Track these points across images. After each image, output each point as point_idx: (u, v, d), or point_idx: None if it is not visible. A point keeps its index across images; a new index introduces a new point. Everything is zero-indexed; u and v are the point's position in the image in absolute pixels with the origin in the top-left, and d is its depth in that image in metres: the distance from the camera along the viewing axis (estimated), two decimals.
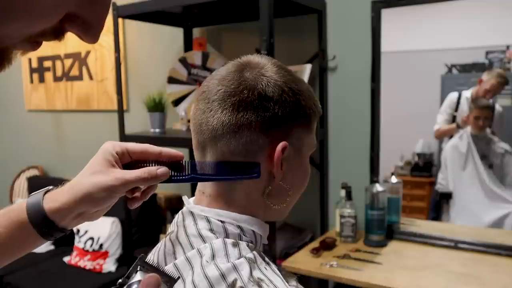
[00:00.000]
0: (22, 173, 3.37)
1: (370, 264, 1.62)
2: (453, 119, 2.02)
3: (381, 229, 1.81)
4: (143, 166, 0.59)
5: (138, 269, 0.52)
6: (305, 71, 1.87)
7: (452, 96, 2.01)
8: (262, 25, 1.60)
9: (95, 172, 0.57)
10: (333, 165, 2.08)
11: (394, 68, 1.99)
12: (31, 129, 3.42)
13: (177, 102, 2.23)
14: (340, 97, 2.03)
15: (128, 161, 0.60)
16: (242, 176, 0.59)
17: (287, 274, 0.64)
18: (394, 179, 1.91)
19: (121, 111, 2.12)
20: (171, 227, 0.66)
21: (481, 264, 1.62)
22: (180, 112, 2.16)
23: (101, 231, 2.49)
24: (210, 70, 2.16)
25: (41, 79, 3.27)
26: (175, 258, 0.59)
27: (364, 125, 1.96)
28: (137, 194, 0.62)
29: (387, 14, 1.88)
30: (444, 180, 2.06)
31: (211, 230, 0.59)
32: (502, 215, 1.91)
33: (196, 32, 2.42)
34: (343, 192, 1.90)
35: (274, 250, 1.70)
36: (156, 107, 2.11)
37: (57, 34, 0.33)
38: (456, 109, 2.01)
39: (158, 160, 0.60)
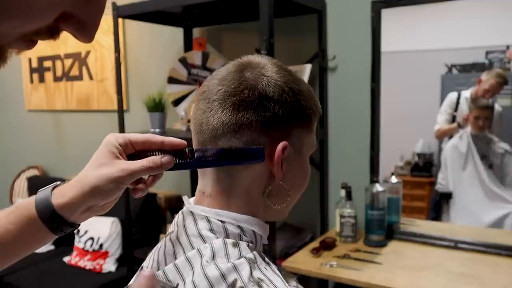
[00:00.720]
0: (22, 173, 3.37)
1: (370, 264, 1.62)
2: (453, 119, 2.02)
3: (381, 229, 1.81)
4: (147, 156, 0.59)
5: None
6: (305, 71, 1.87)
7: (452, 96, 2.01)
8: (262, 25, 1.61)
9: (101, 165, 0.57)
10: (333, 165, 2.08)
11: (394, 68, 1.99)
12: (31, 129, 3.42)
13: (177, 102, 2.23)
14: (340, 97, 2.03)
15: (131, 152, 0.60)
16: (247, 161, 0.59)
17: (287, 274, 0.65)
18: (394, 179, 1.91)
19: (121, 111, 2.12)
20: (171, 227, 0.66)
21: (481, 264, 1.62)
22: (180, 112, 2.16)
23: (101, 231, 2.49)
24: (210, 70, 2.16)
25: (41, 79, 3.27)
26: (175, 258, 0.59)
27: (364, 125, 1.96)
28: (141, 185, 0.62)
29: (387, 14, 1.88)
30: (444, 180, 2.06)
31: (211, 230, 0.59)
32: (502, 215, 1.91)
33: (196, 32, 2.42)
34: (343, 192, 1.90)
35: (274, 250, 1.70)
36: (156, 107, 2.11)
37: (52, 33, 0.33)
38: (456, 109, 2.01)
39: (162, 149, 0.60)
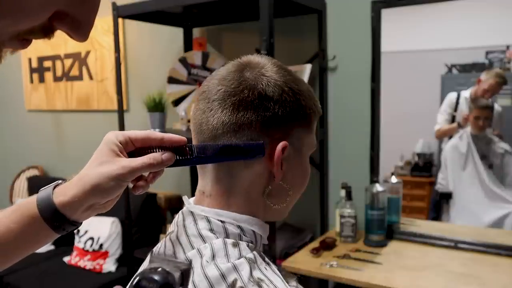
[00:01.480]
0: (22, 173, 3.37)
1: (370, 264, 1.62)
2: (453, 119, 2.02)
3: (381, 229, 1.81)
4: (148, 153, 0.60)
5: (149, 261, 0.54)
6: (305, 71, 1.87)
7: (451, 96, 2.01)
8: (262, 25, 1.61)
9: (102, 163, 0.57)
10: (333, 165, 2.08)
11: (394, 68, 1.99)
12: (31, 129, 3.42)
13: (177, 102, 2.23)
14: (340, 97, 2.03)
15: (132, 149, 0.60)
16: (247, 156, 0.59)
17: (287, 274, 0.65)
18: (394, 179, 1.91)
19: (121, 111, 2.12)
20: (171, 227, 0.66)
21: (481, 264, 1.62)
22: (180, 112, 2.16)
23: (101, 231, 2.49)
24: (210, 70, 2.16)
25: (41, 79, 3.27)
26: (175, 258, 0.59)
27: (364, 125, 1.96)
28: (141, 182, 0.62)
29: (387, 14, 1.88)
30: (444, 180, 2.06)
31: (211, 230, 0.59)
32: (502, 215, 1.91)
33: (196, 32, 2.42)
34: (343, 192, 1.90)
35: (274, 250, 1.70)
36: (156, 107, 2.11)
37: (46, 32, 0.33)
38: (456, 109, 2.01)
39: (162, 146, 0.60)
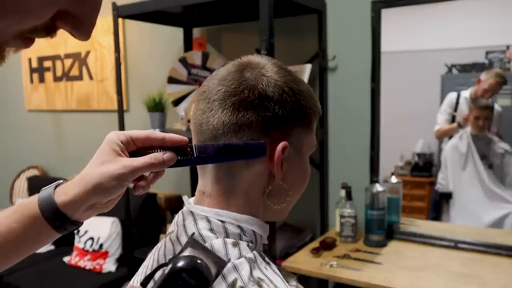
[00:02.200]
0: (22, 173, 3.37)
1: (370, 264, 1.62)
2: (453, 119, 2.02)
3: (381, 229, 1.81)
4: (149, 153, 0.59)
5: (189, 245, 0.52)
6: (305, 71, 1.87)
7: (451, 96, 2.01)
8: (262, 25, 1.61)
9: (103, 162, 0.57)
10: (333, 165, 2.08)
11: (394, 68, 1.99)
12: (31, 129, 3.42)
13: (177, 102, 2.23)
14: (340, 97, 2.03)
15: (133, 149, 0.60)
16: (249, 156, 0.59)
17: (287, 274, 0.64)
18: (394, 179, 1.91)
19: (121, 111, 2.12)
20: (171, 227, 0.66)
21: (481, 264, 1.62)
22: (180, 112, 2.16)
23: (101, 231, 2.49)
24: (210, 70, 2.16)
25: (41, 79, 3.27)
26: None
27: (364, 125, 1.96)
28: (142, 182, 0.62)
29: (387, 14, 1.88)
30: (444, 180, 2.06)
31: (211, 230, 0.59)
32: (502, 215, 1.91)
33: (196, 32, 2.42)
34: (343, 192, 1.90)
35: (274, 250, 1.70)
36: (156, 107, 2.11)
37: (49, 31, 0.33)
38: (455, 109, 2.01)
39: (163, 146, 0.60)
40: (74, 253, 2.54)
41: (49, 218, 0.57)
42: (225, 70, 0.62)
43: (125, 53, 2.77)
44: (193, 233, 0.55)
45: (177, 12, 2.08)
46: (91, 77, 2.97)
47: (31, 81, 3.33)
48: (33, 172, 3.33)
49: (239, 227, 0.60)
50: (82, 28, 0.34)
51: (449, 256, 1.70)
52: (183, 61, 2.23)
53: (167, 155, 0.59)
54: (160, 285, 0.48)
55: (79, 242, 2.54)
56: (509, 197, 1.92)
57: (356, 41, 1.96)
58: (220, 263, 0.53)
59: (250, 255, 0.57)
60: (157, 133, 0.61)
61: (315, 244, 1.81)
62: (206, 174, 0.63)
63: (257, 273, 0.56)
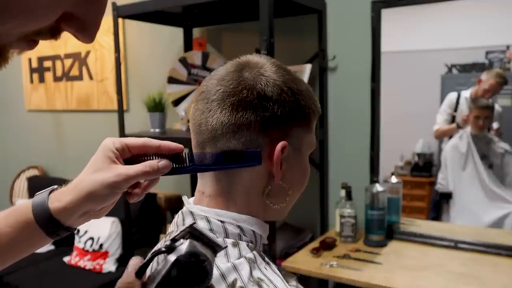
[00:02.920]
0: (22, 173, 3.37)
1: (370, 264, 1.62)
2: (453, 119, 2.02)
3: (381, 229, 1.81)
4: (144, 161, 0.59)
5: (188, 230, 0.51)
6: (305, 71, 1.87)
7: (451, 96, 2.01)
8: (262, 25, 1.60)
9: (97, 170, 0.57)
10: (333, 165, 2.08)
11: (394, 68, 1.99)
12: (31, 129, 3.42)
13: (177, 102, 2.23)
14: (340, 97, 2.03)
15: (128, 156, 0.60)
16: (243, 164, 0.59)
17: (287, 274, 0.65)
18: (394, 179, 1.91)
19: (121, 111, 2.12)
20: (171, 227, 0.66)
21: (481, 264, 1.62)
22: (180, 112, 2.16)
23: (101, 231, 2.49)
24: (210, 70, 2.16)
25: (41, 79, 3.27)
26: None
27: (364, 125, 1.96)
28: (137, 190, 0.62)
29: (387, 14, 1.88)
30: (444, 180, 2.06)
31: (211, 230, 0.59)
32: (502, 215, 1.91)
33: (196, 32, 2.42)
34: (343, 192, 1.90)
35: (274, 250, 1.70)
36: (156, 107, 2.11)
37: (53, 33, 0.33)
38: (456, 109, 2.01)
39: (159, 154, 0.60)
40: (74, 253, 2.54)
41: (43, 224, 0.57)
42: (224, 70, 0.62)
43: (125, 53, 2.77)
44: (194, 223, 0.55)
45: (177, 12, 2.08)
46: (91, 77, 2.97)
47: (31, 81, 3.34)
48: (33, 172, 3.33)
49: (239, 227, 0.60)
50: (87, 30, 0.34)
51: (449, 256, 1.70)
52: (183, 61, 2.23)
53: (162, 163, 0.59)
54: (164, 276, 0.48)
55: (79, 242, 2.54)
56: (509, 197, 1.92)
57: (356, 41, 1.96)
58: (217, 249, 0.52)
59: (250, 255, 0.57)
60: (153, 141, 0.60)
61: (315, 244, 1.81)
62: (206, 175, 0.63)
63: (257, 273, 0.56)
